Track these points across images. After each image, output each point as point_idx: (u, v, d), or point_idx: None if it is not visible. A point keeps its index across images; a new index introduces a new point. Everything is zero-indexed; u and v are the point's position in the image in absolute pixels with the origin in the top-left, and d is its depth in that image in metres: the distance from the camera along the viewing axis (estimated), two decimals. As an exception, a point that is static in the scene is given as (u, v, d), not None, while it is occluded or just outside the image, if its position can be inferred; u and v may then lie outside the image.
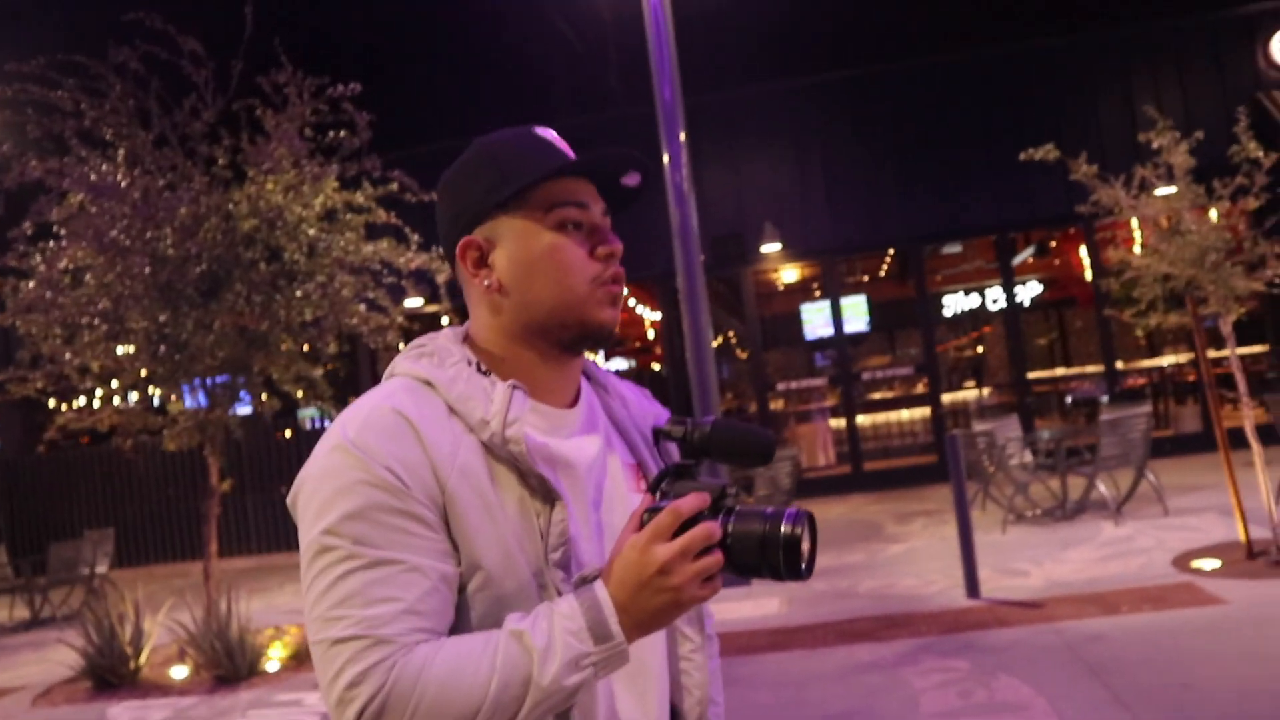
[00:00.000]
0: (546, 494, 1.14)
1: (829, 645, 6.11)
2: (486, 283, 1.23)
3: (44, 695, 7.45)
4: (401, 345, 9.02)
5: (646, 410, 1.40)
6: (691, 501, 1.05)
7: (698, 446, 1.14)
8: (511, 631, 1.06)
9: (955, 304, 15.96)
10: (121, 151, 7.43)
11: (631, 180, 1.27)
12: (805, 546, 1.05)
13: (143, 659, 7.54)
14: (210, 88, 7.56)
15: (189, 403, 7.92)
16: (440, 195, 1.29)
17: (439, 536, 1.10)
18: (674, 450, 1.26)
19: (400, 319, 8.23)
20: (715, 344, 18.44)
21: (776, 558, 1.04)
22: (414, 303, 11.45)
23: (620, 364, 19.86)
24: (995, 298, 14.69)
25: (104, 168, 7.28)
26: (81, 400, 8.29)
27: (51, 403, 9.92)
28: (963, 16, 16.75)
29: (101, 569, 11.04)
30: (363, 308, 8.00)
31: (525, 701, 1.03)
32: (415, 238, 8.28)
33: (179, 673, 7.33)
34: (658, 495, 1.12)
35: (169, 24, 7.33)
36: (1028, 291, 15.00)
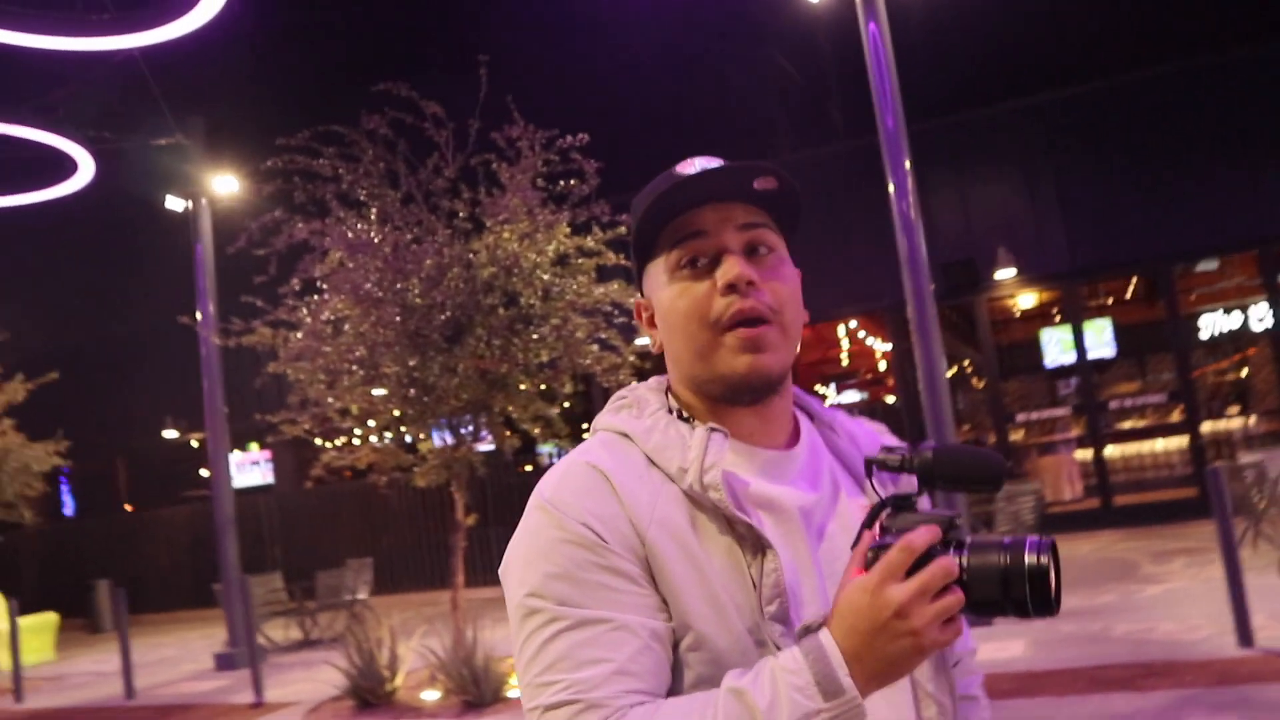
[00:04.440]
0: (756, 541, 1.05)
1: (1080, 693, 5.73)
2: (653, 342, 1.20)
3: (313, 711, 8.08)
4: (634, 382, 9.23)
5: (876, 446, 1.27)
6: (924, 535, 0.95)
7: (919, 475, 1.04)
8: (731, 689, 0.97)
9: (1213, 325, 14.64)
10: (374, 210, 8.06)
11: (763, 184, 1.12)
12: (1053, 578, 0.94)
13: (398, 681, 8.05)
14: (450, 146, 8.08)
15: (436, 441, 8.43)
16: None
17: (646, 591, 1.03)
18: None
19: (632, 358, 8.44)
20: (950, 374, 17.86)
21: (1023, 591, 0.94)
22: (645, 341, 11.79)
23: (852, 396, 19.52)
24: (1260, 316, 13.39)
25: (359, 226, 7.92)
26: (342, 439, 8.98)
27: (318, 441, 10.85)
28: (1203, 17, 15.53)
29: (362, 595, 11.91)
30: (595, 348, 8.26)
31: None
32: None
33: (430, 696, 7.76)
34: (878, 532, 1.01)
35: (413, 90, 7.92)
36: (1299, 309, 13.57)
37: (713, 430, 1.10)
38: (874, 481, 1.16)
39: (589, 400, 13.83)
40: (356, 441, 9.01)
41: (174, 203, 11.21)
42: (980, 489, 1.05)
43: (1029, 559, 0.94)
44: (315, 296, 8.12)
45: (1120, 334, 13.83)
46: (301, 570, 14.08)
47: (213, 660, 10.82)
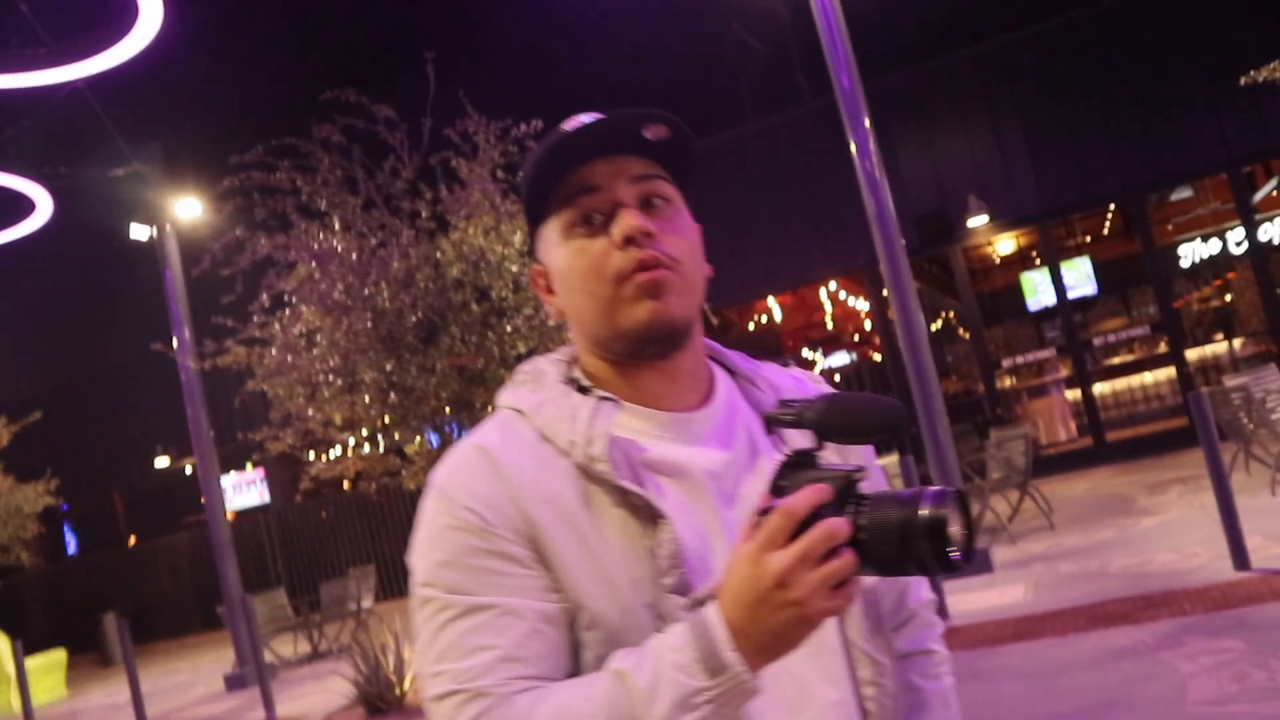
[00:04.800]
0: (649, 511, 1.00)
1: (1081, 631, 5.73)
2: (551, 310, 1.17)
3: (326, 723, 8.09)
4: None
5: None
6: (805, 497, 0.88)
7: (814, 429, 0.97)
8: (614, 672, 0.94)
9: (1192, 253, 14.65)
10: (335, 218, 7.99)
11: (652, 133, 1.07)
12: (955, 529, 0.87)
13: (406, 685, 8.05)
14: (405, 147, 8.01)
15: (434, 442, 8.39)
16: None
17: (535, 572, 1.00)
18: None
19: None
20: (935, 326, 17.87)
21: (919, 546, 0.87)
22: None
23: (840, 359, 19.51)
24: (1237, 240, 13.39)
25: (321, 236, 7.86)
26: (329, 451, 8.94)
27: (312, 455, 10.81)
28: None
29: (367, 604, 11.89)
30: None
31: None
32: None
33: (441, 697, 7.76)
34: (770, 494, 0.94)
35: (362, 95, 7.84)
36: (1275, 229, 13.56)
37: (602, 399, 1.06)
38: (778, 439, 1.11)
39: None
40: (339, 451, 8.97)
41: (138, 231, 11.11)
42: (876, 435, 0.98)
43: (925, 512, 0.87)
44: (285, 311, 8.07)
45: (1100, 271, 13.83)
46: (306, 583, 14.11)
47: (223, 682, 10.81)
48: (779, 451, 1.10)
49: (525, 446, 1.05)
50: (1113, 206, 14.02)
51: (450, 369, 7.85)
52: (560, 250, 1.09)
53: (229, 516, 17.18)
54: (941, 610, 6.64)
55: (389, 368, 7.79)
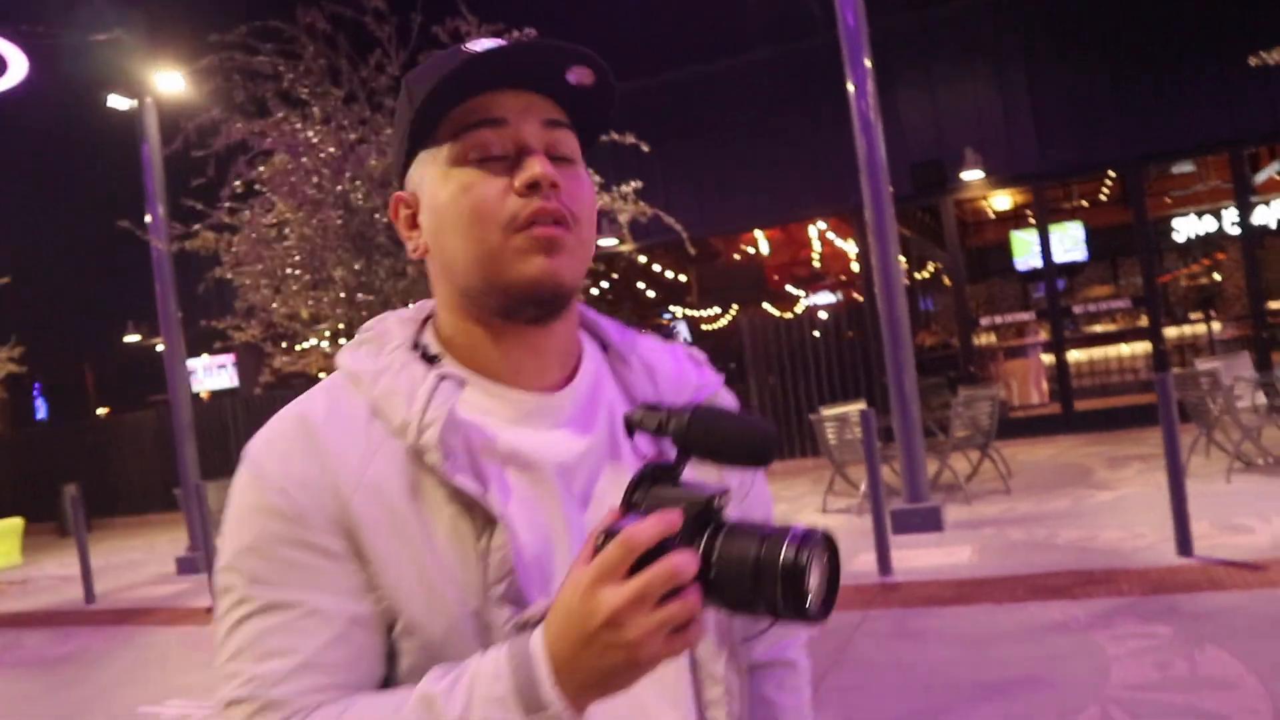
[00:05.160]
0: (484, 513, 0.89)
1: (1018, 600, 5.76)
2: (412, 246, 1.01)
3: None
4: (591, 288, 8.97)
5: (684, 384, 1.08)
6: (650, 527, 0.77)
7: (675, 442, 0.86)
8: (422, 695, 0.83)
9: (1187, 229, 14.51)
10: (316, 109, 7.76)
11: (575, 76, 0.94)
12: (814, 579, 0.79)
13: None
14: (393, 43, 7.76)
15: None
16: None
17: (349, 569, 0.89)
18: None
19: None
20: (921, 275, 17.75)
21: (773, 591, 0.77)
22: (608, 242, 11.56)
23: (826, 298, 19.43)
24: (1232, 220, 13.26)
25: (298, 126, 7.64)
26: (299, 345, 8.80)
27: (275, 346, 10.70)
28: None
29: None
30: None
31: None
32: (596, 177, 8.31)
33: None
34: (620, 511, 0.84)
35: (352, -18, 7.55)
36: (1270, 213, 13.42)
37: (443, 378, 0.93)
38: (637, 443, 1.00)
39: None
40: (306, 345, 8.85)
41: (118, 101, 10.80)
42: (740, 464, 0.86)
43: (785, 554, 0.78)
44: (256, 200, 7.89)
45: (1092, 237, 13.71)
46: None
47: (174, 564, 10.87)
48: (639, 450, 1.01)
49: (353, 423, 0.92)
50: (1111, 173, 13.82)
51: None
52: (443, 183, 0.95)
53: (204, 396, 17.19)
54: (885, 565, 6.67)
55: (358, 267, 7.66)
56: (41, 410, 21.04)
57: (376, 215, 7.50)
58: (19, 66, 10.26)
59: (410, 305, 1.06)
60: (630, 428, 0.89)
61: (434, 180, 0.96)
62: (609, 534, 0.79)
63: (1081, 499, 8.22)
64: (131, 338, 15.67)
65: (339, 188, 7.50)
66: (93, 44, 10.14)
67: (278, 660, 0.87)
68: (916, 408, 8.17)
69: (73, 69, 10.36)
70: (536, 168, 0.92)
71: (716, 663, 1.01)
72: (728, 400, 1.11)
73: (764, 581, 0.78)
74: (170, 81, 10.64)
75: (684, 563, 0.76)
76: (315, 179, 7.49)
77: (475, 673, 0.82)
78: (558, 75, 0.94)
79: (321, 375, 8.62)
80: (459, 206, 0.93)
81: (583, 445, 0.99)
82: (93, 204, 12.37)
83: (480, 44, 0.95)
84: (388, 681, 0.91)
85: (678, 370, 1.09)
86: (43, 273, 16.22)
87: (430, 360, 0.98)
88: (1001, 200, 14.41)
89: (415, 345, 1.00)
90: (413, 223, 1.00)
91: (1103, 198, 15.84)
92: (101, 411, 19.55)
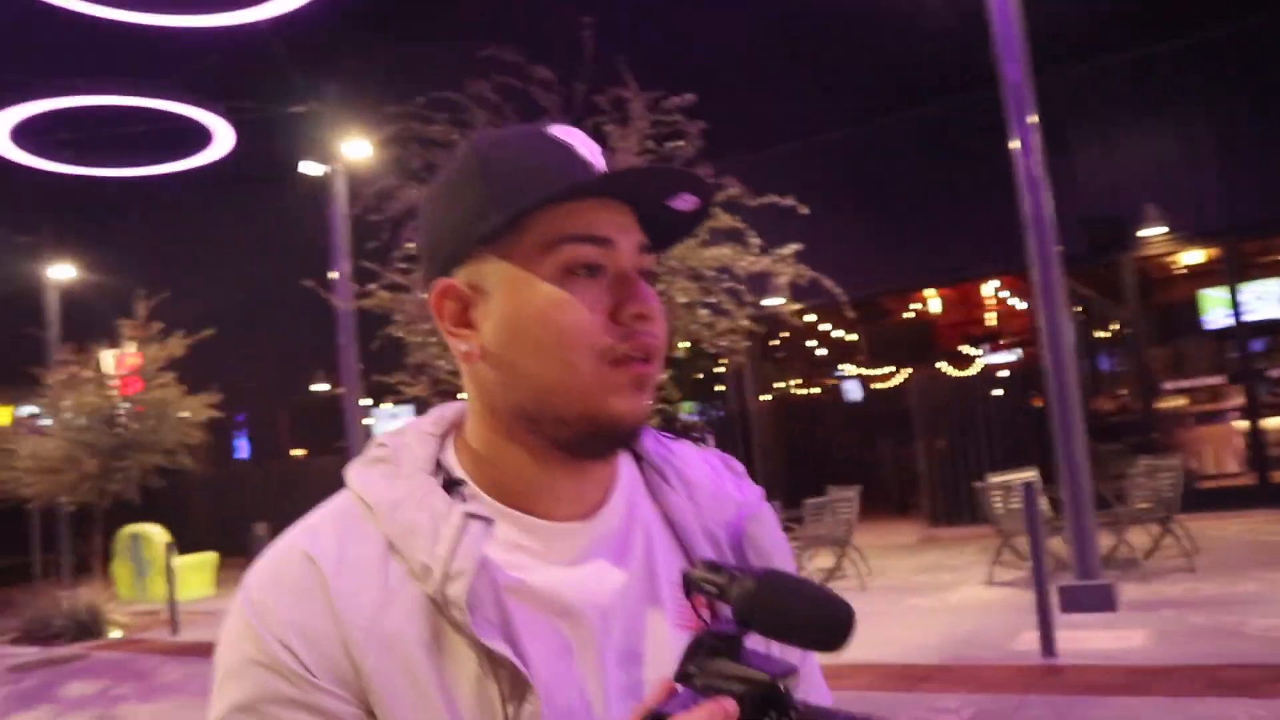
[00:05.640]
0: (514, 677, 0.80)
1: (1197, 694, 5.33)
2: (465, 348, 0.89)
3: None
4: (746, 345, 8.85)
5: (724, 500, 0.98)
6: (701, 717, 0.70)
7: (736, 613, 0.75)
8: None
9: None
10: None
11: (684, 204, 0.88)
12: None
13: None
14: (558, 110, 8.07)
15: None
16: (421, 214, 0.95)
17: None
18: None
19: (745, 321, 8.29)
20: (1101, 334, 16.85)
21: None
22: (773, 302, 11.54)
23: (1004, 357, 18.71)
24: None
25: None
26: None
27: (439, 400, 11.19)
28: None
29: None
30: (706, 313, 8.16)
31: None
32: (756, 241, 8.35)
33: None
34: (675, 681, 0.76)
35: (520, 55, 7.92)
36: None
37: (471, 516, 0.84)
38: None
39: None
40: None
41: (310, 168, 11.67)
42: (807, 645, 0.76)
43: None
44: (426, 262, 8.30)
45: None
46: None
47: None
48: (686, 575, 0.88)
49: (367, 561, 0.83)
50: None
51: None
52: (527, 292, 0.85)
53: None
54: (1049, 646, 6.31)
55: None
56: (242, 450, 22.63)
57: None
58: (226, 139, 11.26)
59: (429, 413, 0.97)
60: (688, 589, 0.79)
61: (513, 283, 0.85)
62: (657, 718, 0.72)
63: (1277, 583, 7.56)
64: (320, 386, 16.71)
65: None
66: (289, 116, 11.01)
67: None
68: (1087, 476, 7.75)
69: (273, 138, 11.26)
70: (648, 301, 0.85)
71: None
72: (769, 518, 1.03)
73: None
74: (357, 149, 11.41)
75: None
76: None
77: None
78: (664, 198, 0.88)
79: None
80: (548, 325, 0.84)
81: (620, 581, 0.90)
82: (287, 262, 13.35)
83: (571, 135, 0.90)
84: None
85: (716, 484, 1.00)
86: (243, 325, 17.54)
87: (451, 486, 0.89)
88: (1181, 257, 13.57)
89: (438, 466, 0.90)
90: (462, 319, 0.89)
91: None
92: (298, 453, 20.83)
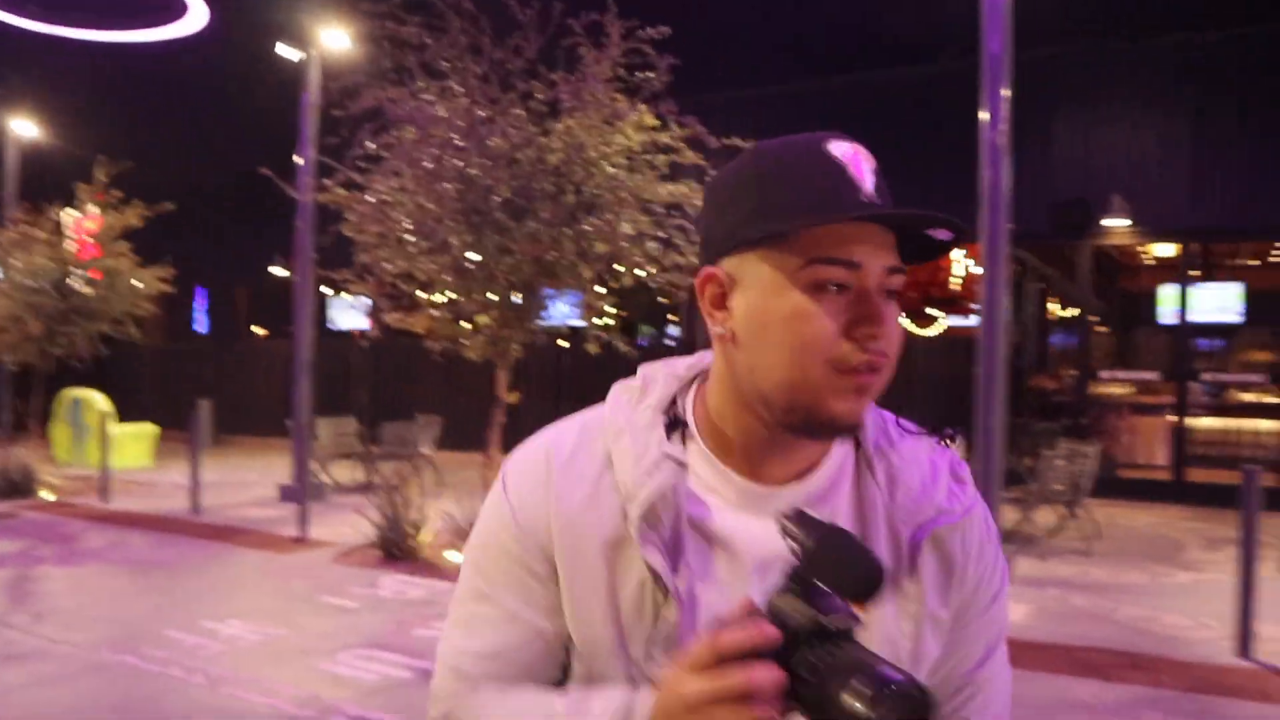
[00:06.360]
0: (663, 587, 0.99)
1: (1054, 671, 5.60)
2: (719, 330, 1.02)
3: (344, 554, 8.58)
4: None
5: (924, 504, 1.05)
6: (739, 638, 0.83)
7: (798, 558, 0.88)
8: (551, 708, 1.00)
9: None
10: (454, 82, 8.06)
11: (941, 234, 0.99)
12: None
13: (423, 539, 8.45)
14: (533, 27, 7.98)
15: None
16: (704, 201, 1.07)
17: (547, 591, 1.04)
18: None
19: (695, 260, 8.33)
20: (1063, 315, 17.04)
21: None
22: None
23: (960, 321, 18.88)
24: None
25: (429, 100, 7.96)
26: (404, 303, 9.13)
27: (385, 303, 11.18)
28: None
29: (425, 450, 12.42)
30: (655, 246, 8.20)
31: None
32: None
33: (454, 557, 8.12)
34: (754, 603, 0.89)
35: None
36: None
37: (667, 458, 1.02)
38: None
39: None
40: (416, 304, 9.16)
41: (287, 51, 11.47)
42: (844, 593, 0.87)
43: (862, 705, 0.78)
44: (381, 166, 8.26)
45: (1255, 300, 12.84)
46: (386, 417, 14.73)
47: (278, 491, 11.56)
48: (900, 568, 1.04)
49: (588, 468, 1.04)
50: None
51: (527, 256, 7.96)
52: (779, 296, 0.96)
53: (357, 335, 18.02)
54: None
55: (469, 240, 7.95)
56: (202, 325, 22.51)
57: (491, 191, 7.76)
58: (200, 14, 11.01)
59: (691, 356, 1.13)
60: (781, 532, 0.92)
61: (768, 285, 0.97)
62: (727, 624, 0.86)
63: (1160, 575, 7.85)
64: (278, 270, 16.62)
65: (458, 162, 7.80)
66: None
67: (476, 641, 1.07)
68: (1000, 450, 7.93)
69: (248, 19, 11.03)
70: (883, 328, 0.95)
71: None
72: (975, 527, 1.09)
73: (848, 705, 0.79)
74: (335, 38, 11.21)
75: (760, 679, 0.82)
76: (435, 152, 7.82)
77: (599, 707, 0.97)
78: (922, 229, 0.98)
79: (426, 335, 8.92)
80: (792, 330, 0.95)
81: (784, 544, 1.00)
82: (248, 146, 13.18)
83: (848, 153, 0.97)
84: (558, 684, 1.08)
85: (924, 487, 1.06)
86: (208, 202, 17.35)
87: (676, 425, 1.06)
88: (1142, 251, 13.70)
89: (672, 403, 1.08)
90: (719, 303, 1.02)
91: (1275, 259, 14.84)
92: (260, 331, 20.72)
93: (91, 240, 12.71)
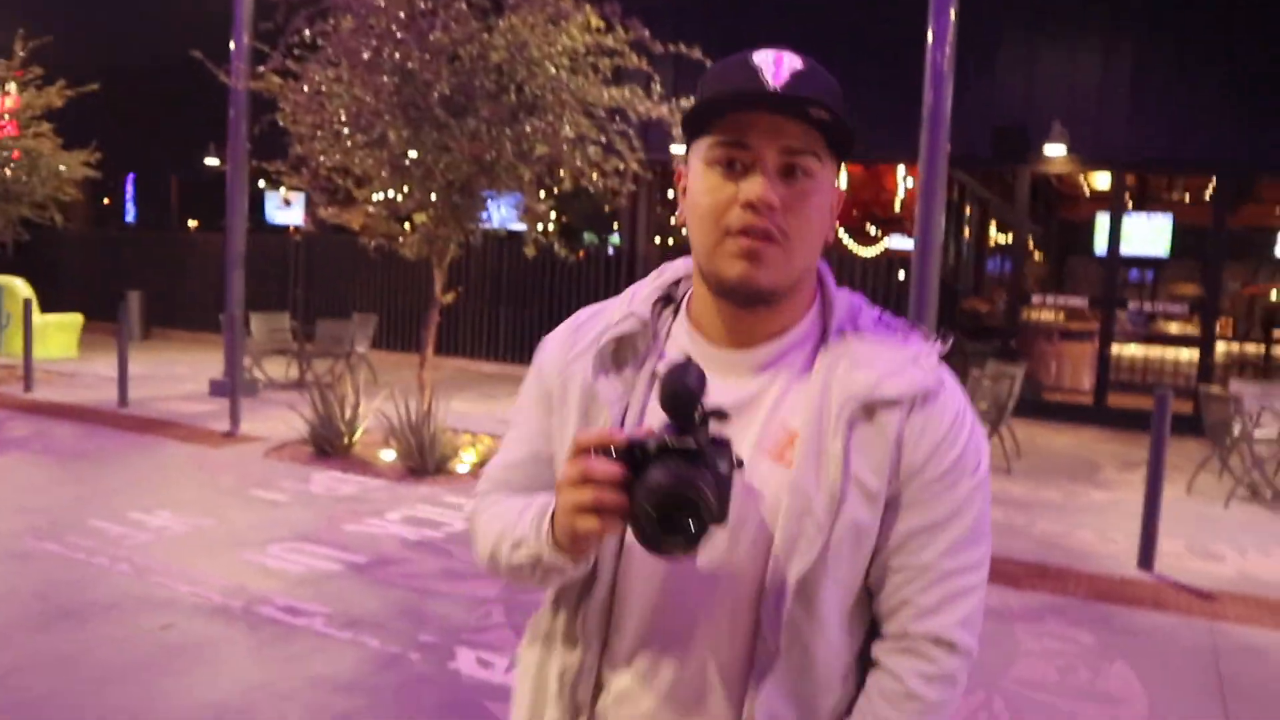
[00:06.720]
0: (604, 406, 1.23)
1: (967, 580, 5.81)
2: (679, 215, 1.23)
3: (275, 449, 8.53)
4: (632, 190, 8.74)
5: (871, 383, 1.14)
6: (588, 434, 1.06)
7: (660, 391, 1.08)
8: (516, 506, 1.25)
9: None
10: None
11: (818, 114, 1.09)
12: (679, 514, 0.96)
13: (355, 437, 8.43)
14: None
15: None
16: None
17: (545, 420, 1.30)
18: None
19: (635, 166, 8.25)
20: (1001, 240, 17.29)
21: (641, 509, 0.98)
22: (680, 149, 11.47)
23: (900, 243, 19.05)
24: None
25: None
26: (339, 196, 8.91)
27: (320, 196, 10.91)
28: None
29: (360, 349, 12.30)
30: (595, 150, 8.09)
31: (500, 565, 1.25)
32: (658, 87, 8.24)
33: (387, 456, 8.11)
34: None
35: None
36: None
37: (632, 315, 1.25)
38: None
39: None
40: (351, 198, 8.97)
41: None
42: (667, 414, 1.03)
43: (661, 480, 0.97)
44: (318, 55, 7.98)
45: (1182, 234, 13.14)
46: (321, 314, 14.50)
47: (208, 385, 11.39)
48: (833, 439, 1.15)
49: (592, 333, 1.28)
50: (1215, 175, 13.16)
51: (465, 155, 7.80)
52: (699, 177, 1.16)
53: (292, 231, 17.58)
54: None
55: (406, 134, 7.76)
56: (131, 214, 21.75)
57: (431, 86, 7.54)
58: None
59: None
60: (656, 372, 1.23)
61: (694, 170, 1.17)
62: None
63: (1075, 494, 8.15)
64: (211, 160, 16.07)
65: (397, 55, 7.56)
66: None
67: (504, 455, 1.36)
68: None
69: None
70: (755, 190, 1.10)
71: (770, 633, 1.15)
72: (935, 418, 1.15)
73: (643, 496, 0.98)
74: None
75: (593, 465, 1.02)
76: (374, 42, 7.56)
77: (539, 500, 1.21)
78: (804, 111, 1.09)
79: (360, 230, 8.74)
80: (702, 202, 1.14)
81: (733, 397, 1.17)
82: (181, 29, 12.60)
83: (764, 58, 1.11)
84: None
85: (880, 372, 1.15)
86: (133, 87, 16.63)
87: (667, 302, 1.29)
88: (1092, 179, 13.87)
89: (677, 284, 1.30)
90: (684, 191, 1.21)
91: (1207, 195, 15.15)
92: (192, 224, 20.11)
93: (8, 119, 12.15)
